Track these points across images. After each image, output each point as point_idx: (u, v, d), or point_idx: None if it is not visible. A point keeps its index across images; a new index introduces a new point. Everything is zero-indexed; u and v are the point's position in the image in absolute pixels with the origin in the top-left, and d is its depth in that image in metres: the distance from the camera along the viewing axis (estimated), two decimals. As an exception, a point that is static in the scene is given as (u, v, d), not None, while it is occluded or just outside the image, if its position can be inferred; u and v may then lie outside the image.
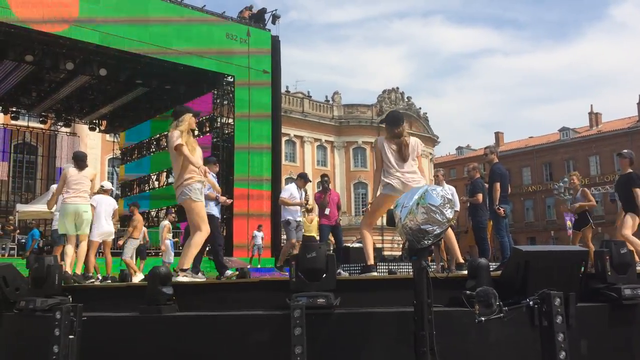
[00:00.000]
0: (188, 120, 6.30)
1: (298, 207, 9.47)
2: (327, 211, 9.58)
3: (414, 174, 5.92)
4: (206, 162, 9.09)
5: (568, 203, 9.89)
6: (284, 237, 18.51)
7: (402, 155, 5.88)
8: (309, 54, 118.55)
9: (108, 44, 18.25)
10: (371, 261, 6.11)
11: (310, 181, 9.69)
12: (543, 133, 59.35)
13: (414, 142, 6.03)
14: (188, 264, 6.29)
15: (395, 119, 6.08)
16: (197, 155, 6.24)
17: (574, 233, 9.66)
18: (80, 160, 7.93)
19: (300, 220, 9.53)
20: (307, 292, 4.91)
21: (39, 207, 20.93)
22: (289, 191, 9.47)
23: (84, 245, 7.90)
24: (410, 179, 5.82)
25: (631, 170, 8.19)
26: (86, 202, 7.86)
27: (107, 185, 10.50)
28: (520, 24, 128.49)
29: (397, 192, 5.71)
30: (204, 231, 6.23)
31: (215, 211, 8.33)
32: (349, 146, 49.65)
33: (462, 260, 6.25)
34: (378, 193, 6.04)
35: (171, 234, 14.27)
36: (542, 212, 54.14)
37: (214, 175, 8.56)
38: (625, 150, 8.59)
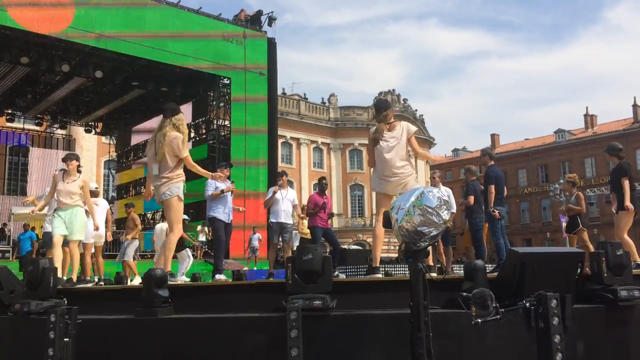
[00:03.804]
0: (184, 121, 6.42)
1: (281, 210, 9.38)
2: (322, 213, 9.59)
3: (400, 169, 5.97)
4: (217, 166, 9.31)
5: (563, 204, 9.88)
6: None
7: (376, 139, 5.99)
8: (305, 56, 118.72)
9: (104, 46, 18.23)
10: (376, 263, 6.13)
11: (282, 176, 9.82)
12: (539, 135, 59.48)
13: (400, 127, 6.05)
14: (168, 266, 6.37)
15: (378, 106, 6.25)
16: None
17: (569, 237, 9.66)
18: None
19: (284, 222, 9.40)
20: (304, 294, 4.91)
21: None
22: (268, 194, 9.69)
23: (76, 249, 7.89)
24: (393, 177, 5.92)
25: (620, 161, 8.02)
26: None
27: (94, 186, 10.40)
28: (514, 27, 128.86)
29: (382, 190, 5.88)
30: (177, 231, 6.31)
31: (222, 215, 8.41)
32: (345, 148, 49.63)
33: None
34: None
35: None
36: (538, 214, 54.21)
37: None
38: (610, 145, 8.32)
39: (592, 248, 8.31)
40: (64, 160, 7.73)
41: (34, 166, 27.32)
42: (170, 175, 6.19)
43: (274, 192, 9.35)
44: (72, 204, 7.51)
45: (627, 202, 7.69)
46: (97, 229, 8.20)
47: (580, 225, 9.20)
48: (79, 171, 7.80)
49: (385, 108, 6.20)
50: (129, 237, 11.86)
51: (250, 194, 20.29)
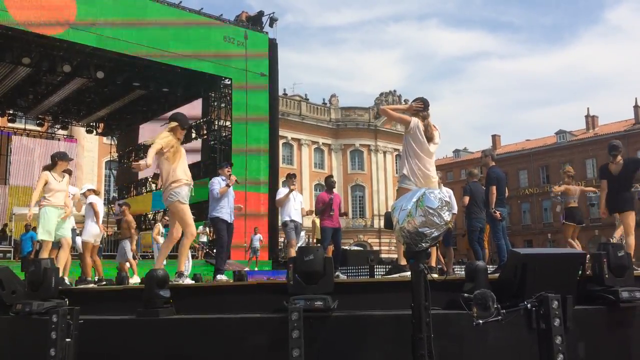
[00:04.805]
0: (175, 125, 6.56)
1: (293, 209, 9.55)
2: (331, 212, 9.62)
3: (433, 172, 6.14)
4: (219, 167, 9.39)
5: (561, 202, 9.84)
6: (281, 239, 18.47)
7: (428, 136, 6.12)
8: (306, 57, 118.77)
9: (105, 46, 18.23)
10: (403, 261, 6.11)
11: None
12: (540, 136, 59.34)
13: (438, 132, 6.29)
14: (181, 266, 6.59)
15: (427, 103, 6.40)
16: (182, 159, 6.45)
17: (565, 226, 9.66)
18: None
19: (297, 221, 9.55)
20: (305, 295, 4.91)
21: (36, 209, 20.82)
22: (281, 193, 9.81)
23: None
24: (431, 178, 5.99)
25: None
26: None
27: (90, 187, 10.41)
28: (515, 28, 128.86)
29: (411, 183, 5.85)
30: (189, 234, 6.47)
31: (225, 215, 8.41)
32: (346, 149, 49.65)
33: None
34: (397, 187, 6.27)
35: (160, 236, 13.99)
36: (539, 215, 54.14)
37: (224, 178, 8.59)
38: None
39: (574, 245, 8.40)
40: (60, 158, 7.77)
41: (17, 155, 27.31)
42: (169, 182, 6.33)
43: (290, 190, 9.58)
44: (64, 204, 7.71)
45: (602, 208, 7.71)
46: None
47: (576, 221, 9.22)
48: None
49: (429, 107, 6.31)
50: (124, 236, 11.87)
51: (251, 183, 20.23)
